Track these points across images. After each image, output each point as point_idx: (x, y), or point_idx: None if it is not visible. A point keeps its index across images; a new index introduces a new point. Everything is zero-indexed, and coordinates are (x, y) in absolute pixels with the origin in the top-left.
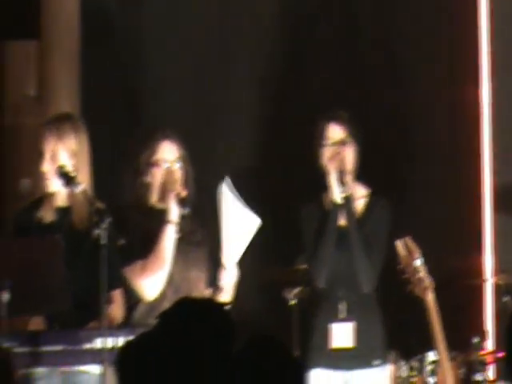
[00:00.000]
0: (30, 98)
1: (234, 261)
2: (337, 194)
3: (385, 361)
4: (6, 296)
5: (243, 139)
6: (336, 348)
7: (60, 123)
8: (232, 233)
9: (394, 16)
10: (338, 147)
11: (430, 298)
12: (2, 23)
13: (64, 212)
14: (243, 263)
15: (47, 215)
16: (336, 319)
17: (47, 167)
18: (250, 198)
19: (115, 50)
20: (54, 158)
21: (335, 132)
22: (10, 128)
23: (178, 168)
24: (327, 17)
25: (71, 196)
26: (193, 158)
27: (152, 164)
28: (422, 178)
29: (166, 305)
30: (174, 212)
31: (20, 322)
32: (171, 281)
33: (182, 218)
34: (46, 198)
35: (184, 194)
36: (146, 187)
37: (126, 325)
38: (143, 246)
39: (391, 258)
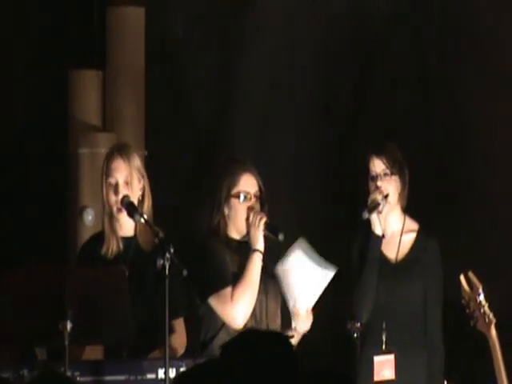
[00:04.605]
0: (93, 128)
1: (308, 308)
2: (377, 227)
3: None
4: (69, 325)
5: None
6: (378, 381)
7: (127, 150)
8: (304, 286)
9: None
10: (378, 180)
11: (493, 333)
12: (67, 52)
13: (130, 242)
14: None
15: (113, 247)
16: (379, 352)
17: (115, 198)
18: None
19: (181, 80)
20: (126, 186)
21: (376, 165)
22: (73, 157)
23: (256, 200)
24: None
25: (135, 226)
26: None
27: (233, 196)
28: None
29: None
30: (262, 241)
31: (77, 350)
32: (253, 312)
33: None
34: (110, 229)
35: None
36: (225, 218)
37: (188, 355)
38: (225, 275)
39: (454, 293)
